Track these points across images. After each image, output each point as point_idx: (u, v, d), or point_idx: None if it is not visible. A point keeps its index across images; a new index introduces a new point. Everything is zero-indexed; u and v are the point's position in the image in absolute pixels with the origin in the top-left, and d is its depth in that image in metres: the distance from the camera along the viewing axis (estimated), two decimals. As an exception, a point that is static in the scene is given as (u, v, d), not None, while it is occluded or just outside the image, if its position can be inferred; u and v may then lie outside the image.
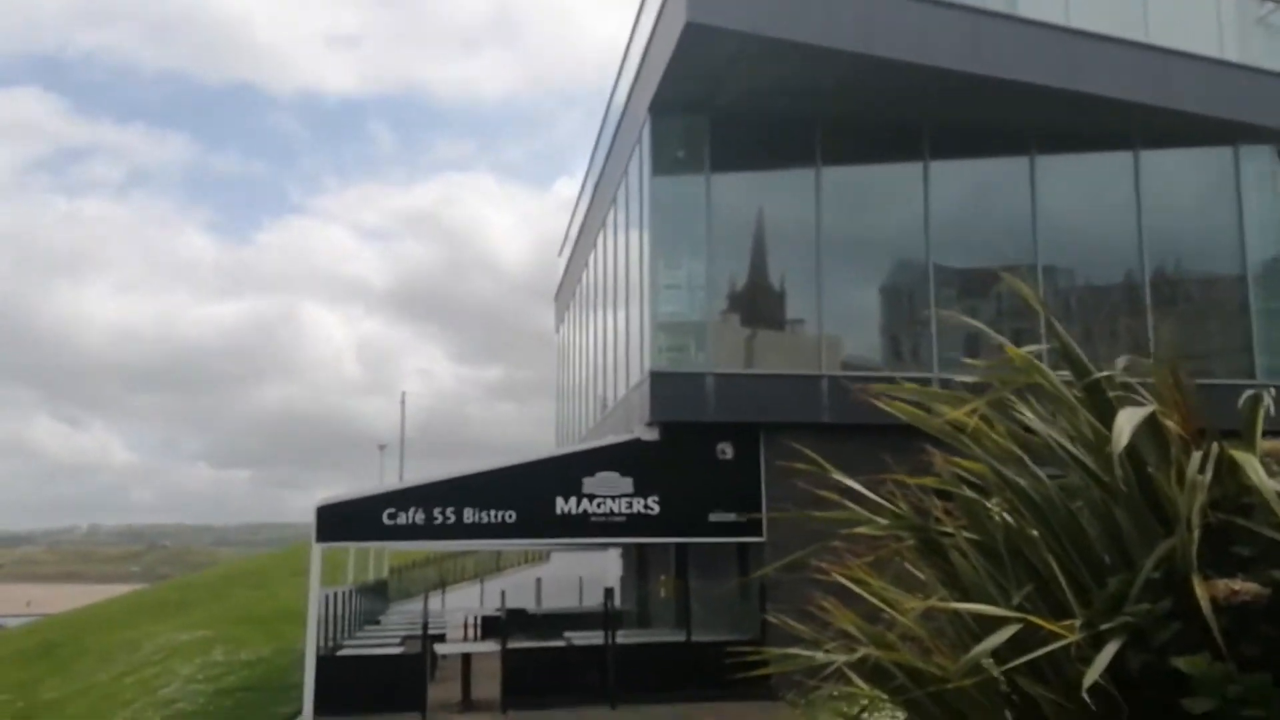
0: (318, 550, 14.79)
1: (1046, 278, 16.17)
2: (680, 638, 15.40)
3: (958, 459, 4.01)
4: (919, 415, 4.05)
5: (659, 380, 15.24)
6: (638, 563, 24.28)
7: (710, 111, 15.59)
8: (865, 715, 4.26)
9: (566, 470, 15.17)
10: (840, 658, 3.94)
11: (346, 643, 16.98)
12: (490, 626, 24.02)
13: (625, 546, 25.00)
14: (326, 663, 14.59)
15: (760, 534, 15.17)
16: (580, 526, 15.09)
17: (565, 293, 28.36)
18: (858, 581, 4.25)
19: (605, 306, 20.80)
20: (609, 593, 15.46)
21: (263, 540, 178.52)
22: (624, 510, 15.11)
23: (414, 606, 28.64)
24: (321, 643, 14.86)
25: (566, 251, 28.46)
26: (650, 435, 15.37)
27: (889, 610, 3.94)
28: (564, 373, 28.23)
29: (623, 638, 15.23)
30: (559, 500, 14.99)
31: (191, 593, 41.96)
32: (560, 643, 15.91)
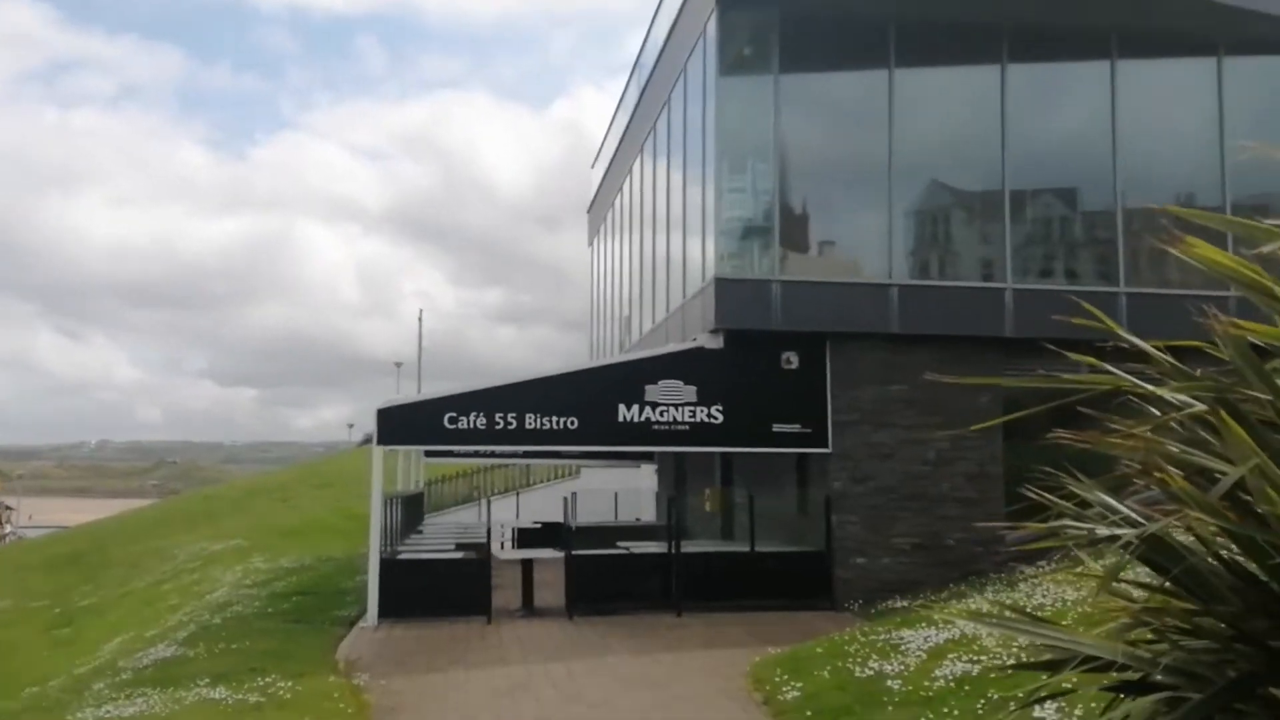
0: (379, 453, 14.58)
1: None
2: (745, 548, 15.22)
3: (1241, 321, 3.65)
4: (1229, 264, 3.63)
5: (724, 287, 14.86)
6: (675, 476, 24.10)
7: (780, 6, 14.99)
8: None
9: (629, 377, 14.88)
10: (1124, 531, 3.64)
11: (400, 549, 16.86)
12: (525, 538, 23.97)
13: (662, 460, 24.84)
14: (389, 566, 14.47)
15: (825, 445, 14.93)
16: (642, 434, 14.86)
17: (601, 205, 27.83)
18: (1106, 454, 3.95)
19: (654, 216, 20.33)
20: (672, 502, 15.28)
21: (272, 458, 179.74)
22: (687, 419, 14.85)
23: (449, 519, 28.67)
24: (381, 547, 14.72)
25: (602, 163, 27.85)
26: (714, 344, 15.04)
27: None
28: (601, 287, 27.83)
29: (686, 548, 15.05)
30: (621, 408, 14.72)
31: (216, 505, 42.09)
32: (619, 551, 15.77)
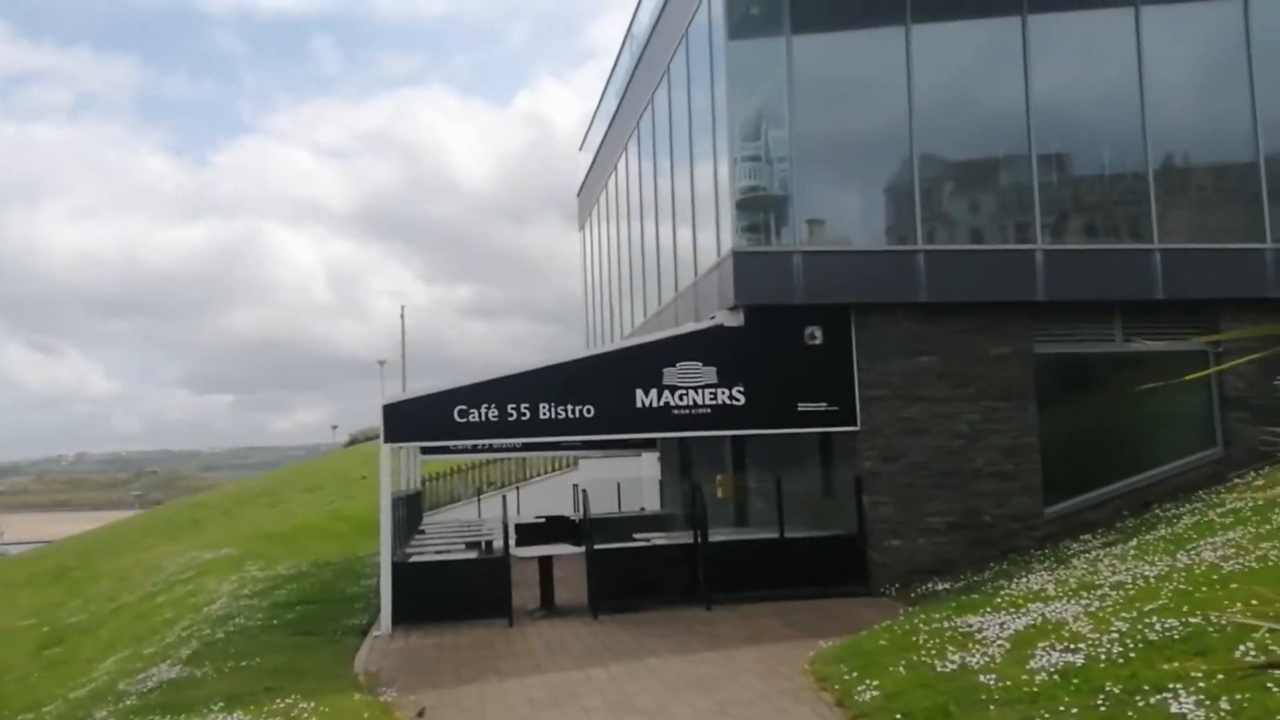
0: (386, 450, 13.75)
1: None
2: (773, 534, 14.49)
3: None
4: None
5: (742, 260, 14.11)
6: (680, 463, 23.37)
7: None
8: None
9: (645, 361, 14.10)
10: None
11: (408, 550, 16.05)
12: (526, 534, 23.18)
13: (665, 447, 24.15)
14: (401, 570, 13.67)
15: (854, 422, 14.22)
16: (662, 420, 14.10)
17: (593, 188, 26.99)
18: None
19: (655, 193, 19.54)
20: (695, 489, 14.50)
21: (252, 464, 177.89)
22: (708, 402, 14.10)
23: (447, 516, 27.84)
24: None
25: (593, 143, 27.01)
26: (733, 321, 14.29)
27: None
28: (596, 272, 27.01)
29: (713, 536, 14.28)
30: (639, 393, 13.96)
31: (202, 513, 41.13)
32: (643, 543, 15.02)
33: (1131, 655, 6.82)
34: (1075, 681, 6.71)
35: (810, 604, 13.44)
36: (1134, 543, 11.38)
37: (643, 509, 25.50)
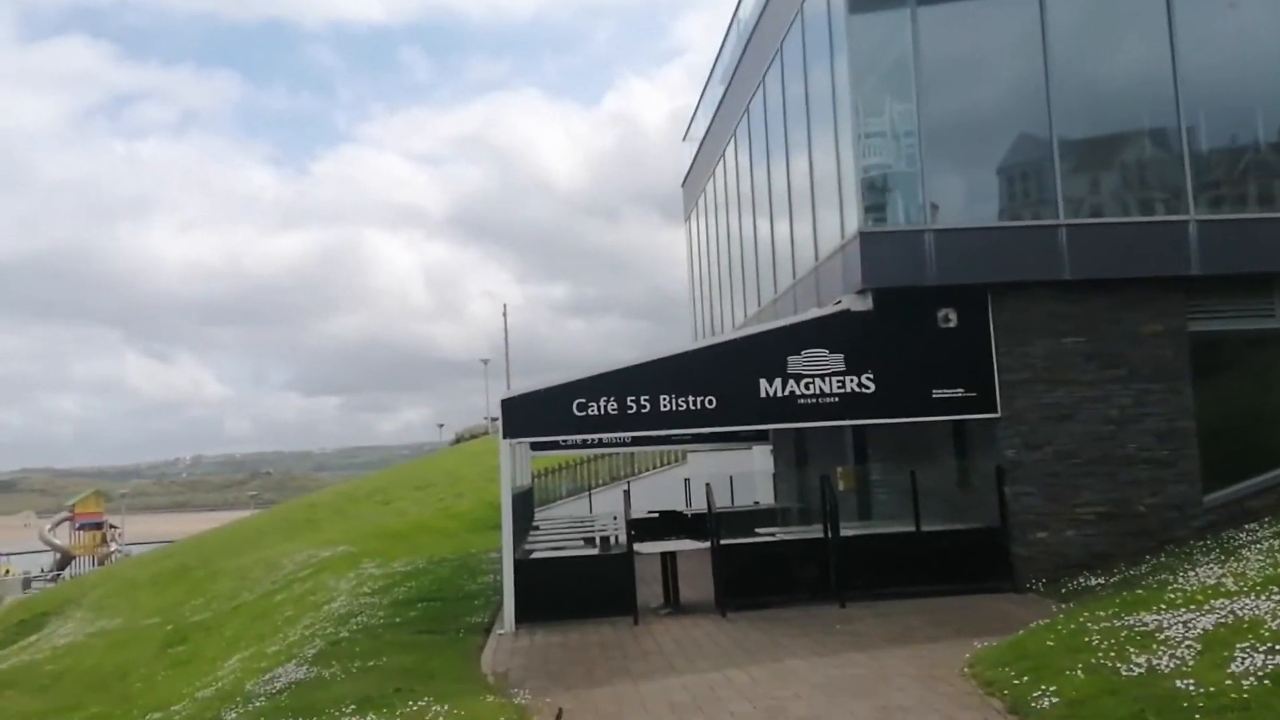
0: (506, 446, 13.46)
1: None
2: (908, 528, 13.80)
3: None
4: None
5: (869, 241, 13.45)
6: (796, 455, 22.72)
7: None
8: None
9: (768, 349, 13.55)
10: None
11: (528, 547, 15.75)
12: (640, 529, 22.75)
13: (778, 439, 23.50)
14: (523, 567, 13.37)
15: (994, 409, 13.46)
16: (787, 411, 13.54)
17: (699, 176, 26.45)
18: None
19: (768, 178, 18.93)
20: (824, 482, 13.87)
21: (361, 463, 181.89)
22: (835, 390, 13.50)
23: (558, 512, 27.62)
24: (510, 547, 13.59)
25: (697, 133, 26.49)
26: (861, 305, 13.65)
27: None
28: (703, 262, 26.47)
29: (844, 530, 13.65)
30: (762, 383, 13.43)
31: (317, 512, 41.67)
32: (769, 538, 14.47)
33: (1357, 659, 6.07)
34: (1294, 688, 5.99)
35: (952, 601, 12.74)
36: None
37: (756, 502, 24.92)
